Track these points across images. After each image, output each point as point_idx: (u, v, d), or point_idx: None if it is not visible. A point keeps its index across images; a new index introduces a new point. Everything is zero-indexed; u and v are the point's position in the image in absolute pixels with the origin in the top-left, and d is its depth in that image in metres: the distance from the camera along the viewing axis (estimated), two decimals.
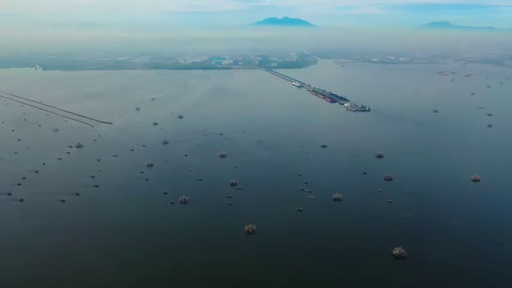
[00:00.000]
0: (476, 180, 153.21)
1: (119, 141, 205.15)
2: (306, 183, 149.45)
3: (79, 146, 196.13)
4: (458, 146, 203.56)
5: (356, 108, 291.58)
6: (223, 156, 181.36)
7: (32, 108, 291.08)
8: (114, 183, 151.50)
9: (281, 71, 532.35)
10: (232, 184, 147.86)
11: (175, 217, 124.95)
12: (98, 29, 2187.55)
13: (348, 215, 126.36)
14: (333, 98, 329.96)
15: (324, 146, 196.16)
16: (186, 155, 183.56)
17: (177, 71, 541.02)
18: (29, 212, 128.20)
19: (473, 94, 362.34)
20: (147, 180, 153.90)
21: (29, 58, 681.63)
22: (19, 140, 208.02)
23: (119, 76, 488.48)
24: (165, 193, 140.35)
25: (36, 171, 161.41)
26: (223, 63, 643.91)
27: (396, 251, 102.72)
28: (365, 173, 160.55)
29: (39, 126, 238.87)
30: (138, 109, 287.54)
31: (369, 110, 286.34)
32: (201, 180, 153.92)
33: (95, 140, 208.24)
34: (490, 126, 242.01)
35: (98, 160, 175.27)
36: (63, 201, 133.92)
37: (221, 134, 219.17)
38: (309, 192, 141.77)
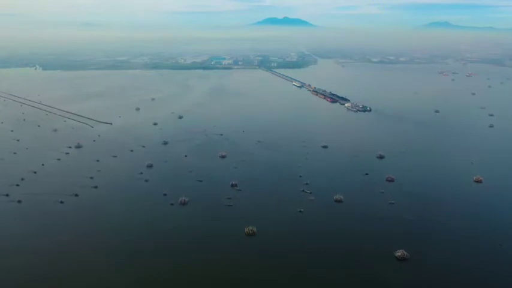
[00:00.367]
0: (478, 181, 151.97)
1: (118, 142, 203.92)
2: (306, 184, 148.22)
3: (78, 147, 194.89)
4: (460, 146, 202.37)
5: (357, 108, 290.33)
6: (223, 156, 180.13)
7: (31, 108, 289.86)
8: (113, 184, 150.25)
9: (281, 71, 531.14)
10: (232, 185, 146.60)
11: (175, 218, 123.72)
12: (98, 29, 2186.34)
13: (349, 216, 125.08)
14: (334, 98, 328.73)
15: (324, 147, 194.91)
16: (186, 156, 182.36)
17: (177, 71, 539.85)
18: (26, 213, 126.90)
19: (474, 94, 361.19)
20: (146, 181, 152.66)
21: (28, 58, 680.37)
22: (18, 140, 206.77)
23: (119, 76, 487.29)
24: (165, 194, 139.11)
25: (35, 172, 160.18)
26: (223, 63, 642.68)
27: (398, 253, 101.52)
28: (367, 173, 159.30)
29: (38, 126, 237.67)
30: (138, 109, 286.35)
31: (370, 110, 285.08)
32: (201, 181, 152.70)
33: (94, 141, 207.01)
34: (491, 126, 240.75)
35: (97, 161, 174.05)
36: (61, 202, 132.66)
37: (221, 134, 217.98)
38: (310, 193, 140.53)
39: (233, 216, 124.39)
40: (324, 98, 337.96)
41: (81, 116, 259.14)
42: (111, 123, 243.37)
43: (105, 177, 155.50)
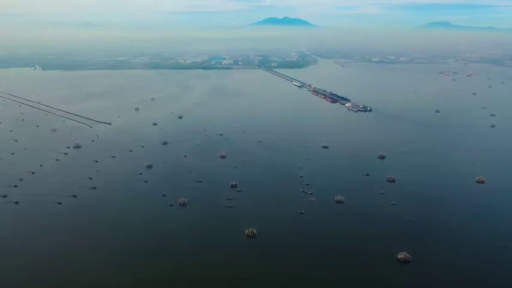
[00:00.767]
0: (480, 182, 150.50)
1: (117, 142, 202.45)
2: (307, 184, 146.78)
3: (77, 147, 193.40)
4: (462, 146, 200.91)
5: (357, 108, 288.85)
6: (223, 157, 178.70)
7: (31, 108, 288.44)
8: (112, 185, 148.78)
9: (281, 70, 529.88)
10: (232, 186, 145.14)
11: (174, 220, 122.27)
12: (98, 29, 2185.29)
13: (350, 218, 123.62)
14: (334, 98, 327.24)
15: (325, 147, 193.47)
16: (185, 156, 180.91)
17: (177, 71, 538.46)
18: (24, 214, 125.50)
19: (475, 94, 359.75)
20: (145, 181, 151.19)
21: (28, 58, 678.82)
22: (16, 140, 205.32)
23: (119, 76, 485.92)
24: (164, 195, 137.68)
25: (33, 173, 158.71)
26: (223, 63, 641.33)
27: (401, 255, 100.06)
28: (368, 174, 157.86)
29: (37, 126, 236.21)
30: (137, 109, 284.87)
31: (371, 110, 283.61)
32: (201, 181, 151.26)
33: (93, 141, 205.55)
34: (493, 126, 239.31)
35: (96, 161, 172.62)
36: (59, 203, 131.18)
37: (221, 134, 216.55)
38: (311, 194, 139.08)
39: (233, 218, 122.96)
40: (324, 98, 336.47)
41: (80, 116, 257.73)
42: (110, 124, 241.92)
43: (104, 178, 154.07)
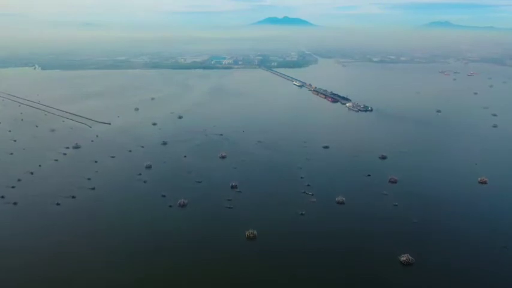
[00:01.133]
0: (483, 183, 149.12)
1: (117, 142, 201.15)
2: (308, 185, 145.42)
3: (76, 147, 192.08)
4: (463, 146, 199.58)
5: (358, 108, 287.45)
6: (223, 157, 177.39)
7: (30, 108, 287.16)
8: (111, 185, 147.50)
9: (281, 70, 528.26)
10: (232, 186, 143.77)
11: (174, 221, 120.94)
12: (98, 29, 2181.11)
13: (352, 219, 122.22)
14: (335, 98, 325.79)
15: (326, 147, 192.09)
16: (185, 156, 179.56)
17: (177, 71, 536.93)
18: (22, 215, 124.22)
19: (476, 94, 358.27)
20: (145, 182, 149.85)
21: (28, 58, 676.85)
22: (15, 140, 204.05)
23: (119, 76, 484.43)
24: (164, 196, 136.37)
25: (32, 173, 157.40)
26: (223, 62, 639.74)
27: (403, 257, 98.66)
28: (369, 175, 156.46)
29: (36, 126, 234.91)
30: (137, 109, 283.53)
31: (371, 110, 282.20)
32: (201, 182, 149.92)
33: (92, 141, 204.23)
34: (495, 126, 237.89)
35: (95, 161, 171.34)
36: (58, 204, 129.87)
37: (221, 135, 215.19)
38: (312, 195, 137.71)
39: (233, 219, 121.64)
40: (325, 98, 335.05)
41: (80, 116, 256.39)
42: (109, 123, 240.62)
43: (103, 179, 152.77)
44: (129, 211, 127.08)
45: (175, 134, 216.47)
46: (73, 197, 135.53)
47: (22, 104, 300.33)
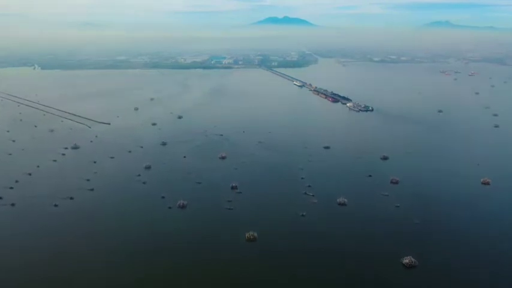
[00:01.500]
0: (486, 183, 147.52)
1: (116, 142, 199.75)
2: (309, 186, 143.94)
3: (75, 148, 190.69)
4: (465, 147, 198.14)
5: (359, 108, 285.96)
6: (223, 158, 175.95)
7: (29, 108, 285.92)
8: (110, 186, 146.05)
9: (282, 70, 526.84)
10: (232, 187, 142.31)
11: (173, 222, 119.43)
12: (98, 29, 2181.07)
13: (353, 220, 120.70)
14: (335, 98, 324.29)
15: (326, 147, 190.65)
16: (185, 157, 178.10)
17: (177, 71, 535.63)
18: (20, 216, 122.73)
19: (477, 94, 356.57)
20: (144, 183, 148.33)
21: (27, 58, 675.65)
22: (13, 141, 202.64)
23: (118, 76, 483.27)
24: (163, 197, 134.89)
25: (30, 174, 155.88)
26: (223, 62, 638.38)
27: (406, 260, 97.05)
28: (370, 175, 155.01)
29: (35, 126, 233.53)
30: (136, 109, 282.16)
31: (372, 110, 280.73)
32: (200, 183, 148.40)
33: (91, 141, 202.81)
34: (496, 126, 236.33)
35: (94, 162, 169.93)
36: (56, 205, 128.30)
37: (221, 135, 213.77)
38: (313, 196, 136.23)
39: (233, 220, 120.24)
40: (325, 98, 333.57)
41: (79, 116, 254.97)
42: (109, 124, 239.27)
43: (102, 179, 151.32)
44: (128, 212, 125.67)
45: (175, 135, 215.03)
46: (71, 198, 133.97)
47: (21, 104, 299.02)
